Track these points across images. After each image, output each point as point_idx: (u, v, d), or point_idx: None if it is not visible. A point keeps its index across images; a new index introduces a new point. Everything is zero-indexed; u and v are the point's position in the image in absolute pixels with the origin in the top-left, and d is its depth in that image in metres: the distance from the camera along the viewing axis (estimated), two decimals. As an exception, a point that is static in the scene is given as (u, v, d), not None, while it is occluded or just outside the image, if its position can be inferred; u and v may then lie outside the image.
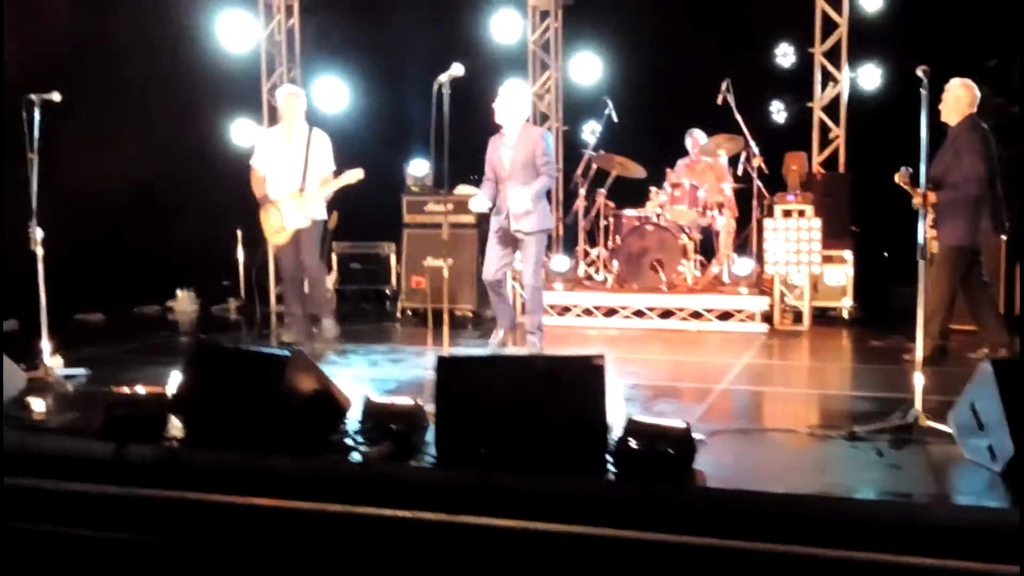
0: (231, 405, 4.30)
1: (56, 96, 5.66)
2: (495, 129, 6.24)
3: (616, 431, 3.94)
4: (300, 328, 7.17)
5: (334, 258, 9.52)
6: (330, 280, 9.21)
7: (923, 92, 4.39)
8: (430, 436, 4.21)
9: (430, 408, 4.34)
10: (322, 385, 4.42)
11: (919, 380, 4.34)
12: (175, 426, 4.44)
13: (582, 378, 3.96)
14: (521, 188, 6.05)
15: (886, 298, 8.27)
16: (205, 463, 4.16)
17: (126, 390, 4.55)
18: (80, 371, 5.90)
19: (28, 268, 5.75)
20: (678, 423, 3.88)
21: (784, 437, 4.43)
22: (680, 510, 3.57)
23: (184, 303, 9.53)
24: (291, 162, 6.82)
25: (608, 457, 3.87)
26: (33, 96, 5.62)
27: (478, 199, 6.29)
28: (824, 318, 8.05)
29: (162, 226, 8.95)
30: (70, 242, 6.16)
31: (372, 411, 4.36)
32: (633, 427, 3.85)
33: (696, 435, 3.87)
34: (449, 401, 4.05)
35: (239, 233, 9.63)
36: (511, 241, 6.26)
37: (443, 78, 4.86)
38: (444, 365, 4.13)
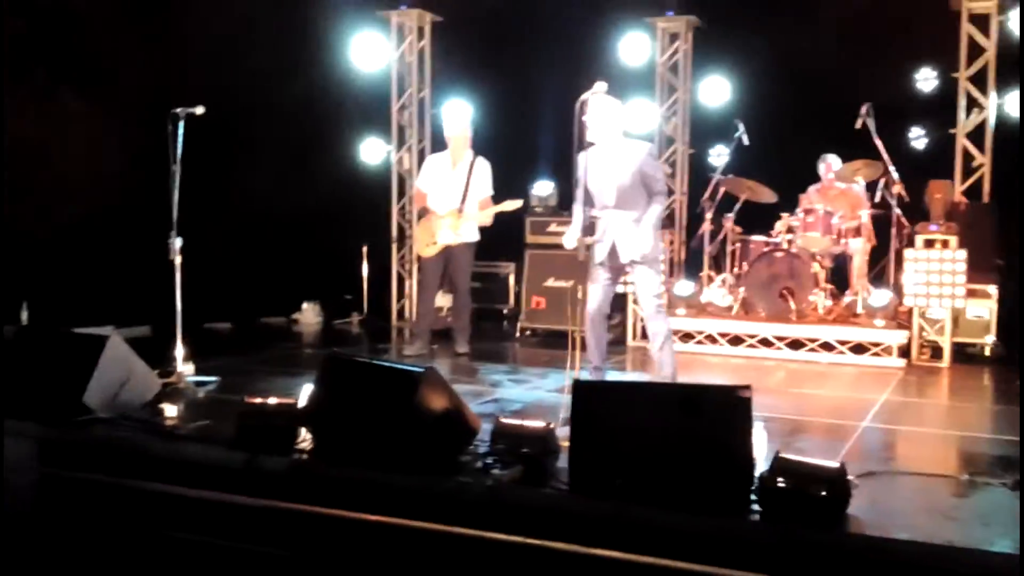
0: (362, 420, 4.27)
1: (200, 110, 5.79)
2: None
3: (760, 467, 3.76)
4: (423, 342, 7.29)
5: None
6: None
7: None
8: (562, 462, 4.11)
9: (561, 432, 4.24)
10: (453, 404, 4.35)
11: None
12: (306, 439, 4.43)
13: (727, 410, 3.77)
14: (630, 221, 5.46)
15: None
16: (335, 477, 4.15)
17: (258, 400, 4.57)
18: (211, 379, 6.01)
19: (164, 276, 5.89)
20: (831, 463, 3.66)
21: (941, 483, 4.15)
22: (833, 558, 3.35)
23: (309, 315, 9.69)
24: (453, 185, 7.25)
25: (753, 496, 3.68)
26: (179, 110, 5.75)
27: (570, 235, 5.63)
28: (963, 355, 7.62)
29: (292, 240, 9.15)
30: (203, 252, 6.29)
31: (503, 432, 4.26)
32: (781, 464, 3.64)
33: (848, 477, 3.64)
34: (584, 427, 3.91)
35: (364, 249, 9.77)
36: (618, 270, 5.70)
37: (587, 96, 4.77)
38: (580, 389, 4.00)
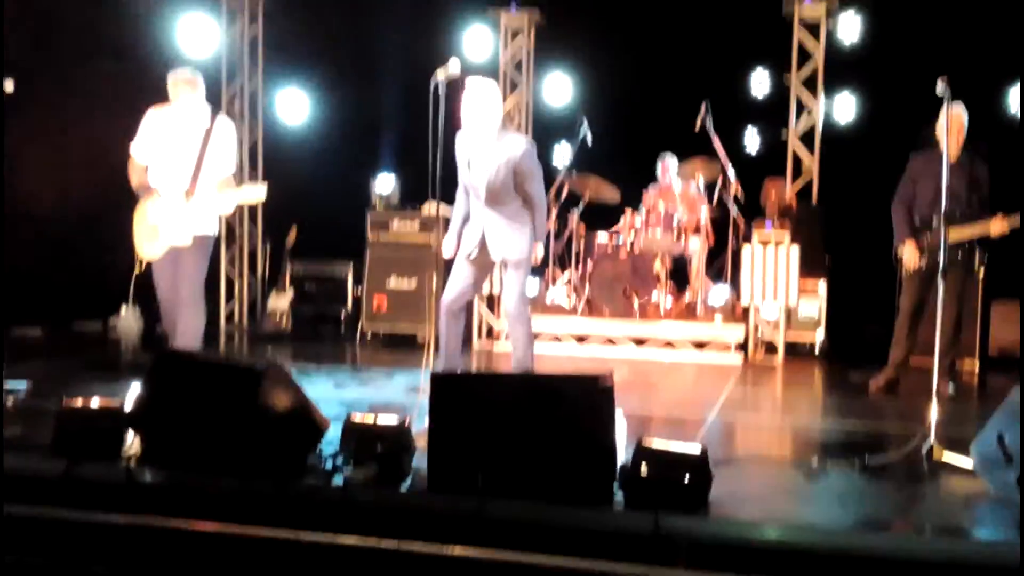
0: (199, 421, 3.92)
1: (9, 86, 5.25)
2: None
3: (621, 457, 3.68)
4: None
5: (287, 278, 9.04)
6: (286, 300, 8.82)
7: (945, 102, 4.24)
8: (417, 460, 3.91)
9: (416, 430, 4.04)
10: (299, 402, 4.07)
11: (934, 411, 4.15)
12: (134, 443, 4.04)
13: (589, 399, 3.67)
14: (502, 218, 5.18)
15: (856, 333, 8.15)
16: (168, 484, 3.79)
17: (79, 402, 4.13)
18: (19, 383, 5.42)
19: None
20: (693, 447, 3.62)
21: (793, 468, 4.21)
22: (697, 543, 3.30)
23: (128, 320, 8.99)
24: (182, 156, 5.36)
25: (616, 485, 3.59)
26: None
27: (448, 242, 5.38)
28: (795, 352, 7.89)
29: (108, 238, 8.46)
30: (7, 251, 5.67)
31: (354, 430, 4.02)
32: (644, 451, 3.58)
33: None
34: (443, 421, 3.72)
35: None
36: (484, 265, 5.40)
37: (440, 75, 4.58)
38: (438, 382, 3.80)
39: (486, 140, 5.09)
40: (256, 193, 5.48)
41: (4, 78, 5.18)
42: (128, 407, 4.14)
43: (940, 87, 4.29)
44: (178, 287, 5.42)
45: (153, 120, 5.46)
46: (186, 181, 5.30)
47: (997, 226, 5.66)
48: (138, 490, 3.75)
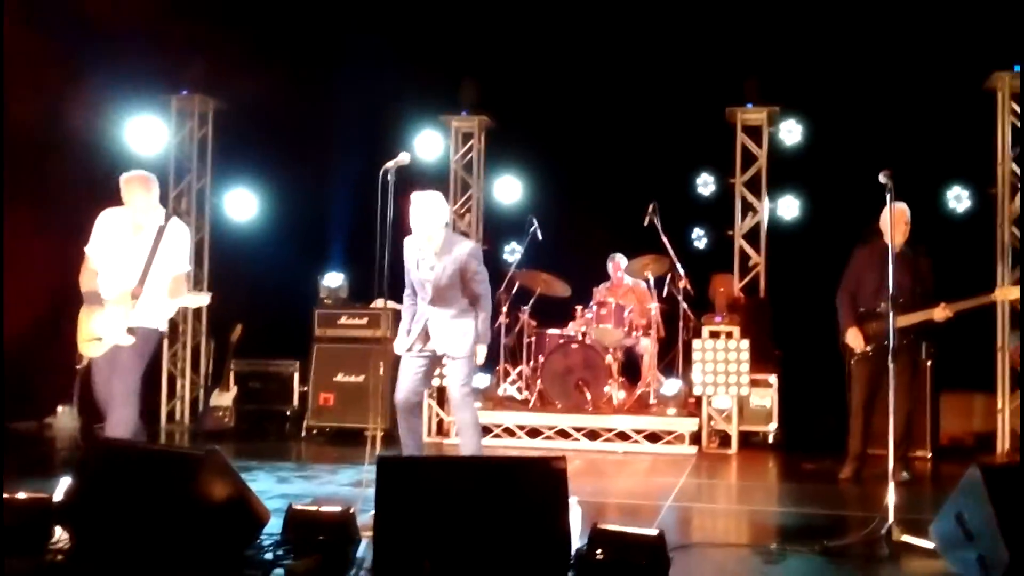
0: (132, 512, 3.72)
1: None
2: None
3: (576, 542, 3.55)
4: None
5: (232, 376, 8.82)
6: (229, 397, 8.60)
7: (888, 196, 4.34)
8: (363, 551, 3.74)
9: (361, 520, 3.88)
10: (238, 491, 3.90)
11: (892, 495, 4.09)
12: (62, 538, 3.82)
13: (542, 482, 3.56)
14: (447, 317, 5.20)
15: (808, 423, 8.14)
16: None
17: (3, 495, 3.91)
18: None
19: None
20: (649, 531, 3.51)
21: (753, 553, 4.09)
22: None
23: (64, 419, 8.70)
24: (133, 256, 5.20)
25: (571, 572, 3.45)
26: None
27: (399, 342, 5.37)
28: (748, 442, 7.84)
29: (46, 339, 8.24)
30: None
31: (296, 520, 3.86)
32: (600, 535, 3.46)
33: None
34: (390, 506, 3.57)
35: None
36: (431, 359, 5.36)
37: (390, 165, 4.60)
38: (386, 466, 3.67)
39: (433, 242, 5.15)
40: (200, 301, 5.58)
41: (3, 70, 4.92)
42: (57, 499, 3.93)
43: (883, 178, 4.38)
44: (111, 381, 5.12)
45: (107, 221, 5.30)
46: (133, 282, 5.12)
47: (940, 312, 5.75)
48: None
